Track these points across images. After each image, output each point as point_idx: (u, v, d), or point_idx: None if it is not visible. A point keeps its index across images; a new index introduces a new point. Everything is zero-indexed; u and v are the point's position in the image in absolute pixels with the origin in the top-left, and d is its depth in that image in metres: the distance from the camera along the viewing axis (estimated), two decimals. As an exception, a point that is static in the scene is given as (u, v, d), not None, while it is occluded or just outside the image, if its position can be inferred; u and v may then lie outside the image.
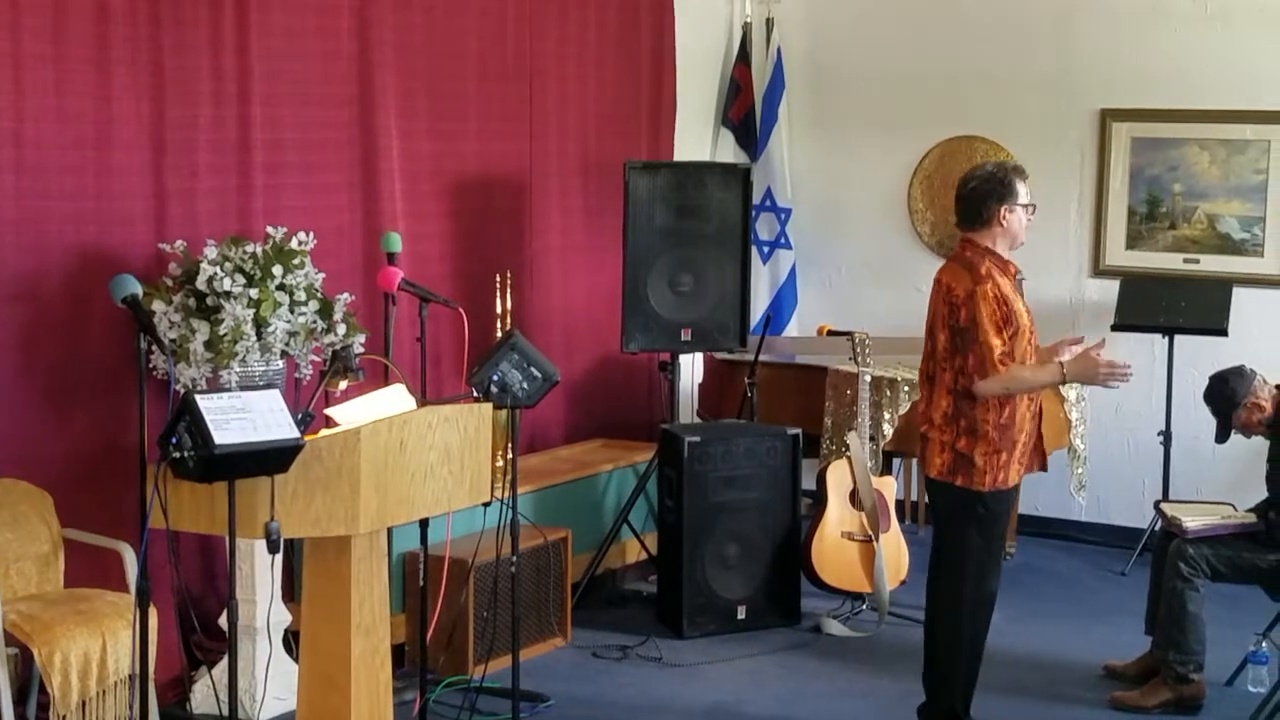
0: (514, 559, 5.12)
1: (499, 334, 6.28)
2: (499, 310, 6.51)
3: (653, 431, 7.34)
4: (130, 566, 5.00)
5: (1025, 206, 5.08)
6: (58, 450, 5.28)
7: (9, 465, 5.11)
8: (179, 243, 5.32)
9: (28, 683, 4.95)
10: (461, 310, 5.18)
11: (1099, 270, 7.89)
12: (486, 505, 4.82)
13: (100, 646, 4.76)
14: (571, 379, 7.16)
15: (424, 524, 5.08)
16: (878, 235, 8.40)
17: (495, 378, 4.84)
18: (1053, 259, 7.82)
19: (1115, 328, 7.58)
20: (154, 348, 4.82)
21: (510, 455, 5.10)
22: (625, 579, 7.12)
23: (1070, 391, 7.28)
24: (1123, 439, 7.83)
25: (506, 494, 5.04)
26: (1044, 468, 5.30)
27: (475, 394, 4.84)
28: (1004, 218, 5.05)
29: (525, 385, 4.91)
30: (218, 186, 5.69)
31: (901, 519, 7.23)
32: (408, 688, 5.38)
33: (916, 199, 8.31)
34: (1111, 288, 7.71)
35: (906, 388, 6.99)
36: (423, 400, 4.72)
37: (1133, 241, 7.83)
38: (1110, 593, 7.13)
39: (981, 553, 5.15)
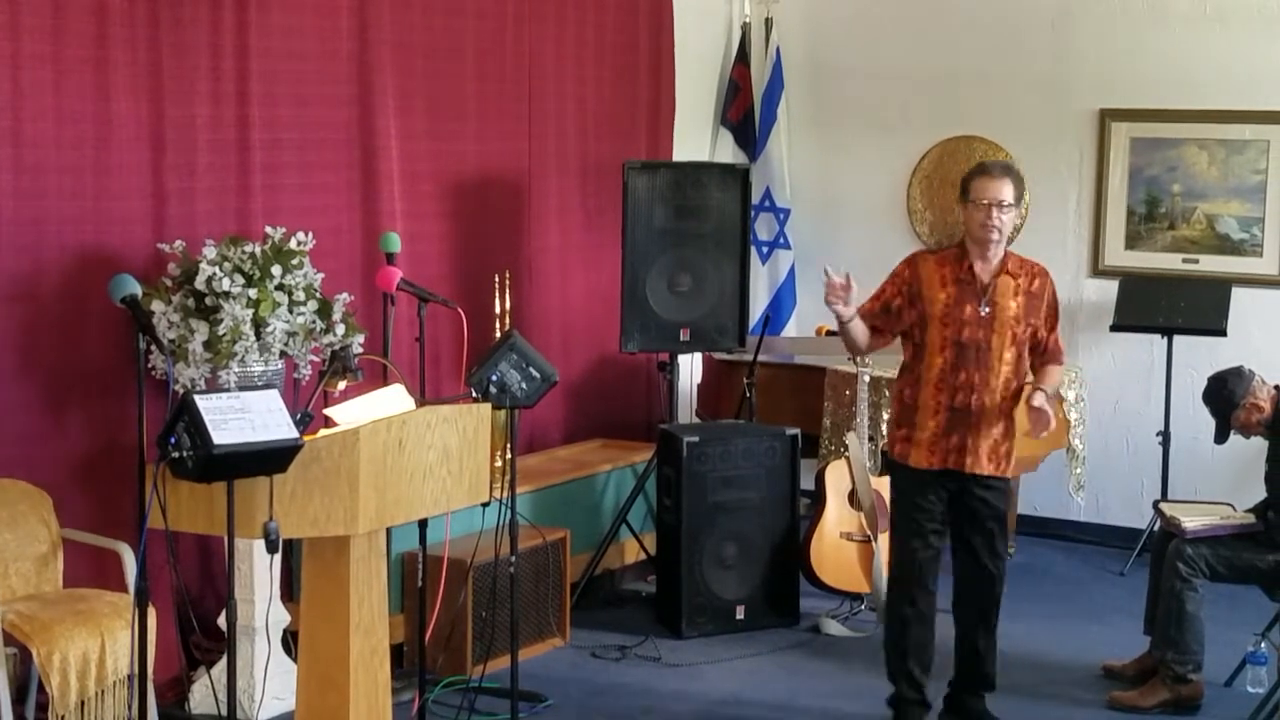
0: (513, 559, 5.11)
1: (498, 334, 6.27)
2: (498, 310, 6.51)
3: (651, 431, 7.34)
4: (129, 566, 5.00)
5: (977, 204, 5.19)
6: (56, 450, 5.27)
7: (8, 465, 5.10)
8: (178, 243, 5.32)
9: (26, 682, 4.95)
10: (460, 310, 5.17)
11: (1098, 270, 7.89)
12: (485, 505, 4.82)
13: (99, 646, 4.76)
14: (570, 379, 7.16)
15: (423, 524, 5.08)
16: (876, 235, 8.38)
17: (494, 378, 4.84)
18: (1052, 259, 7.67)
19: (1114, 328, 7.59)
20: (153, 348, 4.82)
21: (509, 455, 5.09)
22: (624, 579, 7.12)
23: (1069, 392, 7.28)
24: (1121, 439, 7.83)
25: (505, 494, 5.03)
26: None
27: (474, 394, 4.83)
28: (961, 216, 5.32)
29: (524, 385, 4.91)
30: (216, 186, 5.69)
31: (900, 519, 7.22)
32: (406, 688, 5.37)
33: (915, 199, 8.30)
34: (1110, 288, 7.71)
35: (905, 388, 6.99)
36: (421, 400, 4.72)
37: (1132, 242, 7.82)
38: (1109, 593, 7.12)
39: (897, 522, 5.29)
